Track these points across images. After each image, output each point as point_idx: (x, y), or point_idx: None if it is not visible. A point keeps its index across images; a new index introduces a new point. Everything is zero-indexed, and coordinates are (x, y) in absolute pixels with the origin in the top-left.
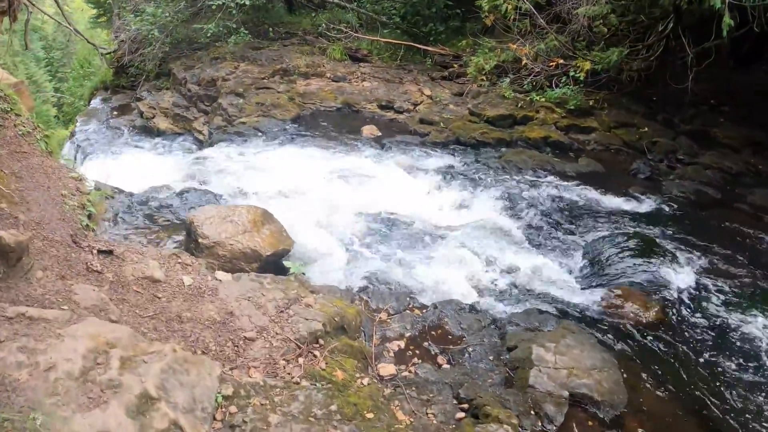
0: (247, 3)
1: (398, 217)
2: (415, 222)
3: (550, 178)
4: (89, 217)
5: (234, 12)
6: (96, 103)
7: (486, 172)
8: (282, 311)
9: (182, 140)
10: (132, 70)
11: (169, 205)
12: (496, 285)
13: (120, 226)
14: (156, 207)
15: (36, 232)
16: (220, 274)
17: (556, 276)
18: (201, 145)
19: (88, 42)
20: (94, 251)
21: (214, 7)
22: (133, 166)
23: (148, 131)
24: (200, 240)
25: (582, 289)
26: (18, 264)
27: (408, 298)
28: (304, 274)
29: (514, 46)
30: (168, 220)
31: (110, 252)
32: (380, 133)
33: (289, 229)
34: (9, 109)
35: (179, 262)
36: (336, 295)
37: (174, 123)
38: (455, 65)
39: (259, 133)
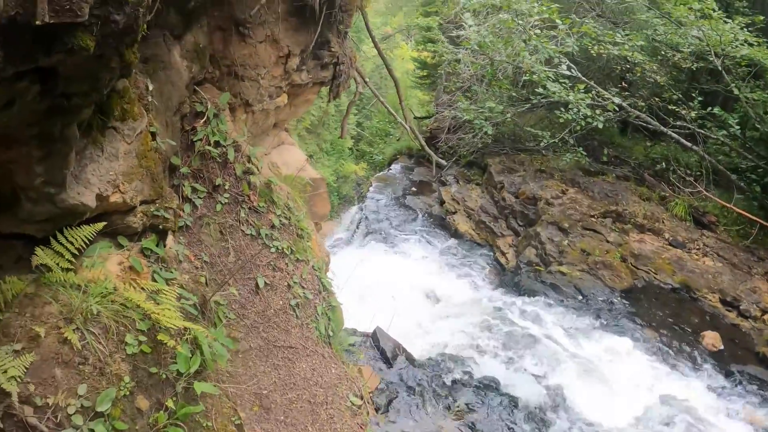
0: (600, 126)
1: None
2: None
3: None
4: None
5: (578, 129)
6: (396, 168)
7: None
8: None
9: (480, 256)
10: (443, 147)
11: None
12: None
13: None
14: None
15: None
16: None
17: None
18: (502, 271)
19: (394, 115)
20: None
21: (561, 120)
22: (418, 276)
23: (444, 227)
24: None
25: None
26: None
27: None
28: None
29: None
30: None
31: None
32: (722, 347)
33: None
34: (286, 251)
35: None
36: None
37: (476, 229)
38: None
39: (579, 296)
